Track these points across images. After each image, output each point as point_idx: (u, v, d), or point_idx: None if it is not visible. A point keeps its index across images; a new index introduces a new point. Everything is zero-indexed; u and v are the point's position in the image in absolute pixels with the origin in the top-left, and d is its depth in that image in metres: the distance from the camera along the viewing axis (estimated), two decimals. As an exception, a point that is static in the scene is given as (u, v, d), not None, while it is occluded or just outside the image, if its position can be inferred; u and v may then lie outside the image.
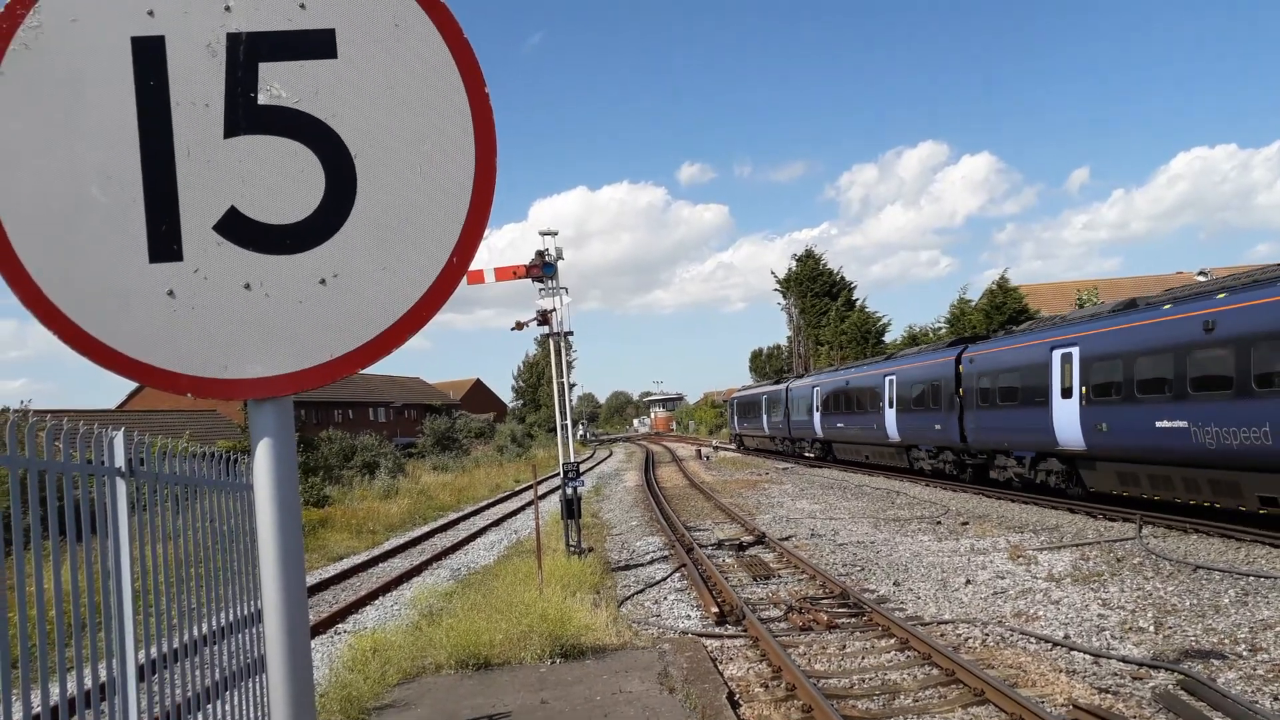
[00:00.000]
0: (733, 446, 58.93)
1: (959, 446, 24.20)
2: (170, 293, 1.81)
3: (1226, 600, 10.20)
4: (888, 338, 55.35)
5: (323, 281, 1.86)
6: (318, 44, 1.84)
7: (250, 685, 5.58)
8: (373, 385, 74.28)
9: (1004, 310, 41.97)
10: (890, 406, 28.40)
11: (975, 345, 24.01)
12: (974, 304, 45.36)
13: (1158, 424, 15.70)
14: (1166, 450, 15.63)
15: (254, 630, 5.61)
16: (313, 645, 9.30)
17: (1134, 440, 16.50)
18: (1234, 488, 14.37)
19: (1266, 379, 13.39)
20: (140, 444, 4.46)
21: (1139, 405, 16.22)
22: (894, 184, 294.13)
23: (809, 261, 65.35)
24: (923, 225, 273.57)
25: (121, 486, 4.26)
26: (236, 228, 1.82)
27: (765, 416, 46.97)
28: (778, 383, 47.49)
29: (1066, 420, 18.48)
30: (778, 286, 67.29)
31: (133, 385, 54.53)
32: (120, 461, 4.25)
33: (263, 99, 1.82)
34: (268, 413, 1.85)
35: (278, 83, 1.82)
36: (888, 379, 28.75)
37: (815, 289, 63.83)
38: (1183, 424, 15.09)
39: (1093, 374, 17.72)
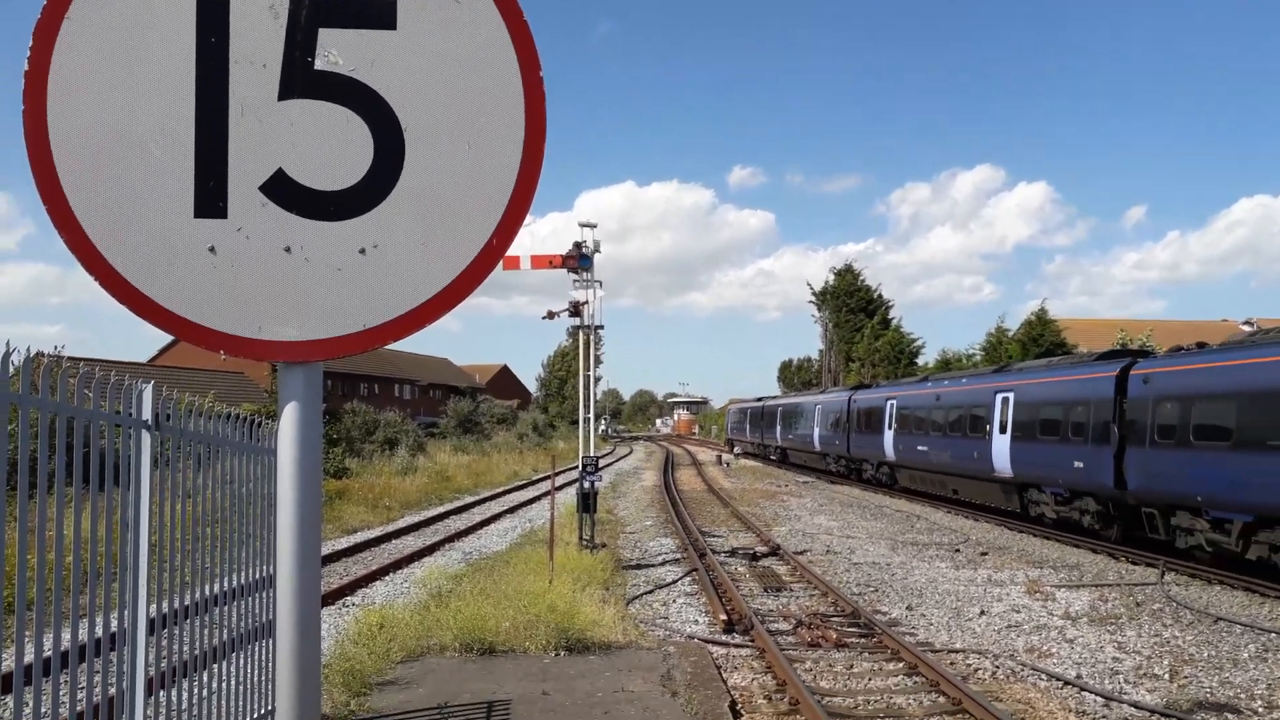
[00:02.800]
0: (737, 451, 60.84)
1: (847, 457, 34.77)
2: (212, 249, 1.82)
3: (1246, 654, 9.99)
4: (920, 360, 54.81)
5: (362, 251, 1.85)
6: (379, 14, 1.84)
7: (256, 649, 5.61)
8: (400, 362, 74.77)
9: (1040, 342, 41.43)
10: (817, 426, 39.07)
11: (861, 391, 33.67)
12: (1011, 334, 44.86)
13: None
14: None
15: (264, 595, 5.64)
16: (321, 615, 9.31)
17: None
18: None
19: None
20: (168, 399, 4.50)
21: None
22: (946, 205, 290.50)
23: (847, 276, 64.77)
24: (970, 249, 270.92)
25: (146, 439, 4.30)
26: (282, 190, 1.82)
27: (748, 425, 56.88)
28: (759, 400, 57.02)
29: (999, 452, 22.22)
30: (813, 299, 66.93)
31: (165, 340, 55.41)
32: (147, 414, 4.29)
33: (319, 64, 1.82)
34: (297, 377, 1.85)
35: (336, 49, 1.82)
36: (817, 406, 39.37)
37: (851, 304, 63.24)
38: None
39: (1017, 414, 21.86)
